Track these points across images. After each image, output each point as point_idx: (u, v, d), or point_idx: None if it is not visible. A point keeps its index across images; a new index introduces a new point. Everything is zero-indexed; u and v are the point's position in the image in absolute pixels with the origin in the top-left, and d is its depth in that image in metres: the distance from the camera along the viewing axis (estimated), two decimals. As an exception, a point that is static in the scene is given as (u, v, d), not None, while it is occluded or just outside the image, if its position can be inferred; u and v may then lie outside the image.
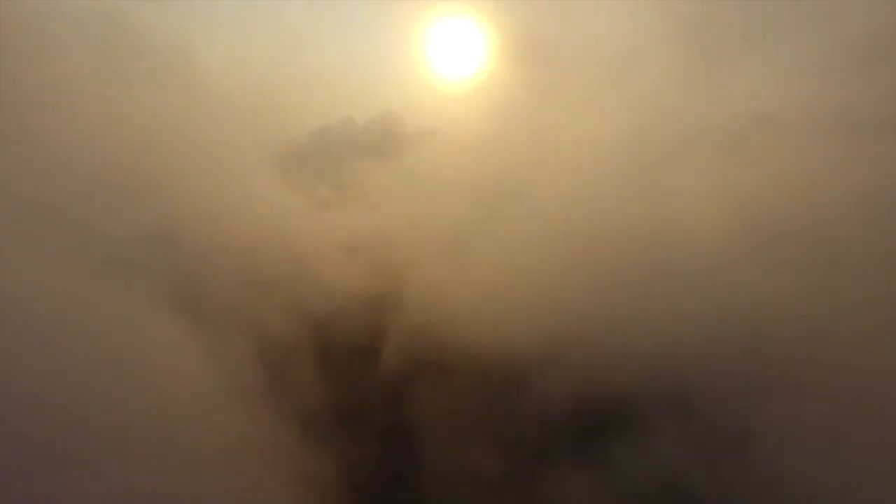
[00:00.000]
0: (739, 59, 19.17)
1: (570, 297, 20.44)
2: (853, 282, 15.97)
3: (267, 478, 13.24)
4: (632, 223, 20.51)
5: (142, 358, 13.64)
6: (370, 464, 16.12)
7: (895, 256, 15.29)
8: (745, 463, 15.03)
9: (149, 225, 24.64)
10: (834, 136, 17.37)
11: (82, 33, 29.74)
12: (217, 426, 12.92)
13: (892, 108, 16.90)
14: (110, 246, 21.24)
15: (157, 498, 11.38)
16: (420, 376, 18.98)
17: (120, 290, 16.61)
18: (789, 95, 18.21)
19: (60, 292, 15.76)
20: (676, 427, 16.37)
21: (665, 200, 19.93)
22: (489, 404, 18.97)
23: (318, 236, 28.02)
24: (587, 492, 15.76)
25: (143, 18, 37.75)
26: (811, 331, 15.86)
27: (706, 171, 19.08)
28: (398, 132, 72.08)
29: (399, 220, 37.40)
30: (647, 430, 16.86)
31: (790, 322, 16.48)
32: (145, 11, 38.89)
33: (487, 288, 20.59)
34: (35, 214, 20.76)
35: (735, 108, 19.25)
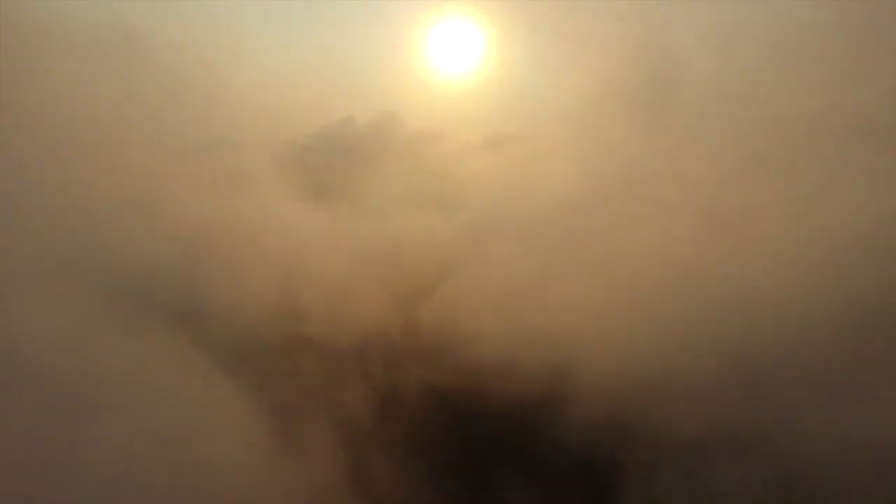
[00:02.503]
0: (830, 94, 17.66)
1: (594, 317, 19.21)
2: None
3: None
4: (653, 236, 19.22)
5: (194, 433, 11.56)
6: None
7: None
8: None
9: (163, 251, 22.37)
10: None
11: (83, 39, 27.03)
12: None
13: None
14: (128, 278, 19.00)
15: None
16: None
17: (152, 344, 14.37)
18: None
19: (82, 346, 13.57)
20: (734, 466, 15.09)
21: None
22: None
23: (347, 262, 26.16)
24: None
25: (142, 19, 34.95)
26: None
27: (786, 214, 17.41)
28: (406, 135, 70.25)
29: (417, 232, 35.91)
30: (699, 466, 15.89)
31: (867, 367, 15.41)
32: (144, 11, 36.14)
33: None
34: (42, 238, 18.40)
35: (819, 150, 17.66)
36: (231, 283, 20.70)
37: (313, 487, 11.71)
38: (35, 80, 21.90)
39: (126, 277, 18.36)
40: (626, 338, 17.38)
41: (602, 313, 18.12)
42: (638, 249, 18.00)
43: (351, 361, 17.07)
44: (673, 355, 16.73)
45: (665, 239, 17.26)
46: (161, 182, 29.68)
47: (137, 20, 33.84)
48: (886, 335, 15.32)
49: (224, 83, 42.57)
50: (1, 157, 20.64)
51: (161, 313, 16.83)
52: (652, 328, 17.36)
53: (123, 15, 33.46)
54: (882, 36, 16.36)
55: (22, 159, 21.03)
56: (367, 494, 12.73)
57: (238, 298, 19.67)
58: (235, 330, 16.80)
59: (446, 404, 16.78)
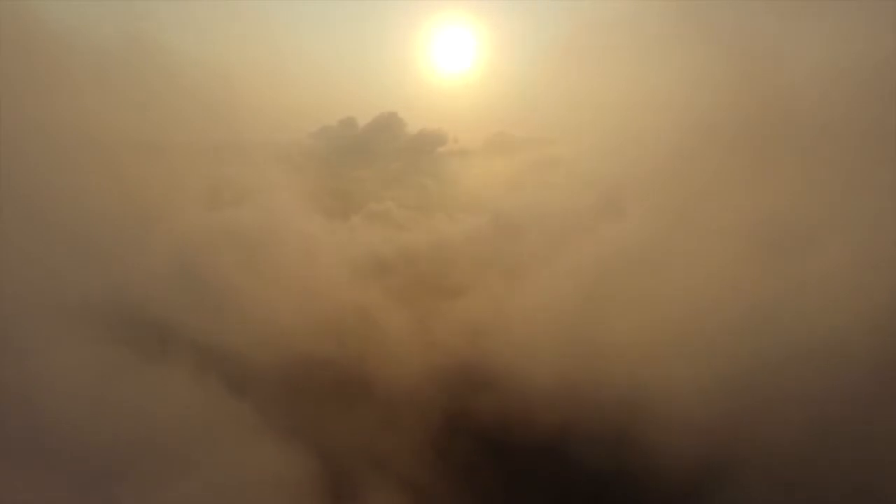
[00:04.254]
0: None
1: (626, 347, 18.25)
2: None
3: None
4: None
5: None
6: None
7: None
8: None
9: (173, 272, 20.83)
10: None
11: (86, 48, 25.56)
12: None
13: None
14: (143, 307, 17.54)
15: None
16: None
17: (180, 376, 13.03)
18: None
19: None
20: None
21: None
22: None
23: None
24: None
25: (144, 26, 33.52)
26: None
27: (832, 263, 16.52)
28: (409, 137, 69.32)
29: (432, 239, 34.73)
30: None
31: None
32: (145, 18, 34.72)
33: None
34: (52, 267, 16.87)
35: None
36: (252, 319, 19.31)
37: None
38: (41, 91, 20.42)
39: (141, 306, 16.95)
40: (686, 373, 16.38)
41: (656, 346, 17.17)
42: (693, 278, 17.16)
43: (396, 406, 15.84)
44: (740, 398, 15.75)
45: (725, 271, 16.43)
46: (168, 194, 28.35)
47: (139, 27, 32.47)
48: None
49: (227, 87, 41.52)
50: (5, 166, 19.24)
51: (183, 349, 15.42)
52: (714, 366, 16.35)
53: (127, 23, 32.14)
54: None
55: (28, 174, 19.58)
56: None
57: (262, 336, 18.24)
58: (269, 375, 15.37)
59: (494, 442, 15.71)
